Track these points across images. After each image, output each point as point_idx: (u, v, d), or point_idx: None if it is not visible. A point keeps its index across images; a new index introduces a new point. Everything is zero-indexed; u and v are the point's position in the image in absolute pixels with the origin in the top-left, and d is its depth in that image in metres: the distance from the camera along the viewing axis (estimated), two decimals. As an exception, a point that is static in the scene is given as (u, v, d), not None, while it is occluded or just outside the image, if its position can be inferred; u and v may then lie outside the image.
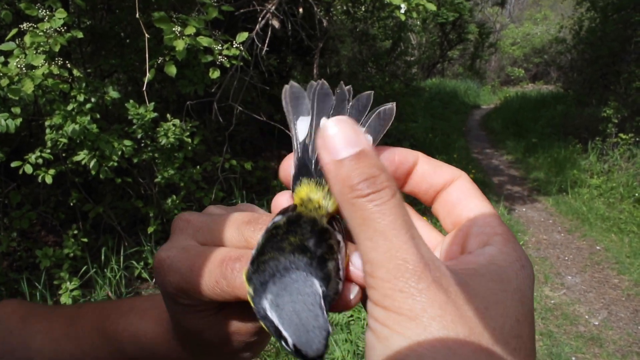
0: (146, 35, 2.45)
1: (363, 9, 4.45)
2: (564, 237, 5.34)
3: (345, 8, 4.51)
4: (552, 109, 11.47)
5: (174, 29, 2.46)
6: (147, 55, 2.49)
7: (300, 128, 0.41)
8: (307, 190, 0.38)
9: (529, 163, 8.35)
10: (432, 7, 3.34)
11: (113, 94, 2.95)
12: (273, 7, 3.24)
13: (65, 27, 2.45)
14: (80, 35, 2.52)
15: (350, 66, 7.14)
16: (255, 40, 3.16)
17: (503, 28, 24.14)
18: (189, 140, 3.23)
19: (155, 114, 3.00)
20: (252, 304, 0.35)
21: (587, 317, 3.77)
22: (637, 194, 6.14)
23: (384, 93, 6.30)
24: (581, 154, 7.94)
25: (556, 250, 4.98)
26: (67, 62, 2.42)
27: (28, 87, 2.20)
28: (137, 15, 2.45)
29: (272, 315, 0.33)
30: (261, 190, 5.14)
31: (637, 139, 7.17)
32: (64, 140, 2.82)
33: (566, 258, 4.82)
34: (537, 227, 5.61)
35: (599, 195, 6.42)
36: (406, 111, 7.64)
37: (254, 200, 4.56)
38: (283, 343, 0.33)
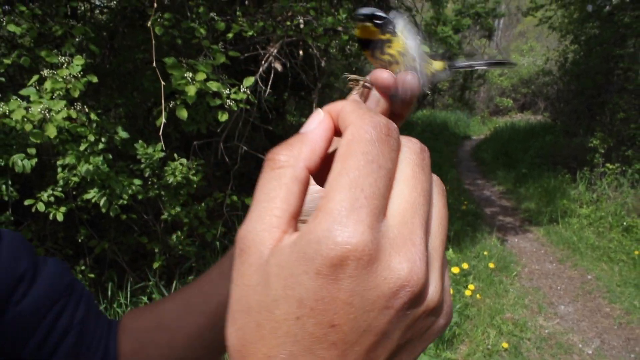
0: (162, 83, 2.60)
1: (356, 48, 4.63)
2: (556, 266, 5.47)
3: (341, 46, 4.70)
4: (540, 139, 11.71)
5: (185, 74, 2.61)
6: (162, 100, 2.63)
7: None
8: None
9: (520, 193, 8.51)
10: (425, 48, 3.52)
11: (122, 134, 3.07)
12: (275, 51, 3.41)
13: (82, 73, 2.59)
14: (95, 79, 2.66)
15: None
16: (259, 82, 3.32)
17: (491, 59, 24.63)
18: (195, 178, 3.35)
19: (164, 153, 3.13)
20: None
21: (580, 346, 3.87)
22: (625, 223, 6.30)
23: (379, 127, 6.47)
24: (570, 183, 8.11)
25: (549, 280, 5.10)
26: (85, 106, 2.56)
27: (51, 132, 2.33)
28: (154, 64, 2.60)
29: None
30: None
31: (624, 169, 7.37)
32: (76, 179, 2.94)
33: (559, 288, 4.93)
34: (529, 257, 5.73)
35: (588, 225, 6.57)
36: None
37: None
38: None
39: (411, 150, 0.33)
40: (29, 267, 0.51)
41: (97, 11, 5.25)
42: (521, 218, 7.28)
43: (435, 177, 0.34)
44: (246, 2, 4.07)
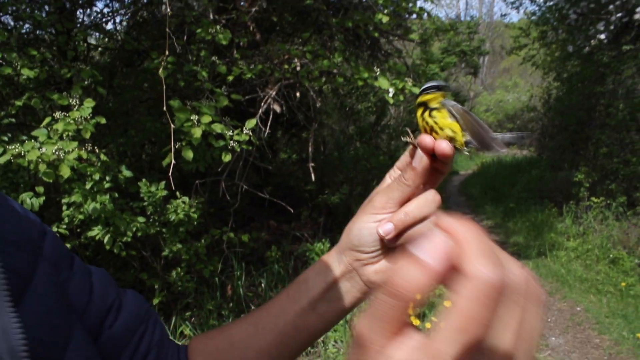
0: (172, 126, 2.73)
1: (348, 87, 4.82)
2: (546, 299, 5.57)
3: (333, 87, 4.89)
4: (527, 174, 11.94)
5: (191, 117, 2.74)
6: (172, 142, 2.75)
7: None
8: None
9: (509, 227, 8.66)
10: (417, 90, 3.70)
11: (126, 173, 3.19)
12: (274, 93, 3.57)
13: (91, 114, 2.71)
14: (103, 121, 2.78)
15: (337, 139, 7.52)
16: (259, 123, 3.47)
17: (477, 95, 25.25)
18: (195, 215, 3.45)
19: (166, 192, 3.24)
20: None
21: (572, 376, 3.96)
22: (611, 255, 6.44)
23: (370, 165, 6.63)
24: (557, 217, 8.28)
25: (539, 312, 5.19)
26: (95, 147, 2.67)
27: (65, 172, 2.43)
28: (164, 108, 2.73)
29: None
30: (255, 261, 5.29)
31: (608, 202, 7.55)
32: (81, 217, 3.03)
33: (549, 320, 5.03)
34: (519, 289, 5.83)
35: (576, 258, 6.71)
36: (390, 180, 7.98)
37: (252, 272, 4.72)
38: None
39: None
40: (115, 297, 0.61)
41: (95, 52, 5.42)
42: (510, 252, 7.33)
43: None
44: (241, 44, 4.24)
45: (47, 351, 0.45)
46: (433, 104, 0.60)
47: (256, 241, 5.71)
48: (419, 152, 0.57)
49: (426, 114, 0.60)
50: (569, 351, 4.38)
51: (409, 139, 0.59)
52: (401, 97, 3.71)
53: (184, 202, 3.36)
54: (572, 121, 9.86)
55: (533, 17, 9.93)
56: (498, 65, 31.37)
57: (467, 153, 0.63)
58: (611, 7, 6.09)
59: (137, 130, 4.37)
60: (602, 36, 6.18)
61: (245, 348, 0.65)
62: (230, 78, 3.41)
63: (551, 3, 8.81)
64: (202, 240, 3.82)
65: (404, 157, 0.60)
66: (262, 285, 4.53)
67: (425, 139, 0.56)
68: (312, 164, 4.00)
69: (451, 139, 0.58)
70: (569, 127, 10.18)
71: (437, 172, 0.59)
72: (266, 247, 5.58)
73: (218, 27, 3.30)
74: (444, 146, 0.55)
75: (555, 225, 7.88)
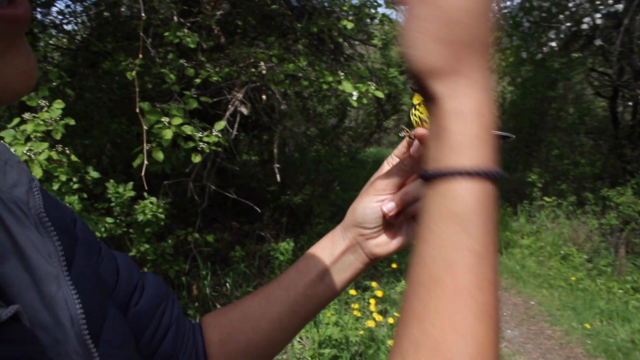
0: (144, 127, 2.77)
1: (311, 90, 4.93)
2: (502, 294, 5.81)
3: (297, 91, 4.99)
4: (483, 175, 12.26)
5: (162, 119, 2.80)
6: (144, 143, 2.80)
7: None
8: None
9: (466, 226, 8.90)
10: (380, 94, 3.85)
11: (93, 174, 3.20)
12: (241, 96, 3.65)
13: (60, 116, 2.74)
14: (72, 122, 2.81)
15: (298, 141, 7.62)
16: (227, 126, 3.54)
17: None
18: (162, 216, 3.50)
19: (134, 193, 3.27)
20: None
21: (526, 366, 4.17)
22: (562, 252, 6.75)
23: (332, 167, 6.76)
24: (512, 216, 8.58)
25: (495, 307, 5.42)
26: (65, 148, 2.70)
27: (37, 172, 2.45)
28: (137, 110, 2.78)
29: None
30: (218, 261, 5.32)
31: (559, 202, 7.89)
32: (49, 218, 3.03)
33: (505, 314, 5.25)
34: (477, 286, 6.06)
35: (529, 255, 6.99)
36: (351, 182, 8.14)
37: (217, 272, 4.76)
38: None
39: None
40: (139, 278, 0.68)
41: (55, 53, 5.37)
42: (468, 250, 7.63)
43: None
44: (205, 47, 4.29)
45: (93, 323, 0.52)
46: (415, 102, 0.72)
47: (219, 242, 5.75)
48: (416, 142, 0.68)
49: (412, 110, 0.72)
50: (524, 342, 4.60)
51: (405, 133, 0.71)
52: (364, 101, 3.84)
53: (152, 203, 3.40)
54: (526, 124, 10.22)
55: (488, 24, 10.23)
56: (455, 69, 32.01)
57: None
58: (561, 16, 6.38)
59: (101, 131, 4.37)
60: (553, 44, 6.47)
61: (258, 319, 0.74)
62: (198, 81, 3.47)
63: (506, 11, 9.12)
64: (169, 241, 3.86)
65: (401, 147, 0.71)
66: (228, 285, 4.59)
67: (420, 131, 0.67)
68: (278, 165, 4.08)
69: None
70: (522, 129, 10.53)
71: None
72: (229, 247, 5.62)
73: (186, 30, 3.36)
74: None
75: (510, 224, 8.18)
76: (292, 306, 0.74)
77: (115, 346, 0.54)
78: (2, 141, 0.55)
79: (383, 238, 0.74)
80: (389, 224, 0.73)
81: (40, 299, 0.46)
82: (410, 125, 0.72)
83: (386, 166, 0.74)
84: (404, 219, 0.73)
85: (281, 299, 0.74)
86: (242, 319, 0.75)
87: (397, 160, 0.73)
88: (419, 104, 0.72)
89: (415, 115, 0.71)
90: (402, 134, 0.72)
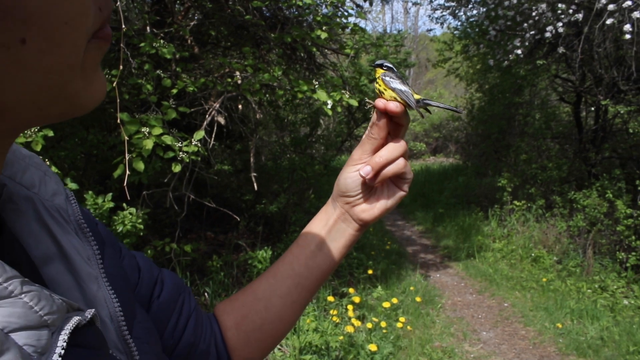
0: (126, 137, 2.78)
1: (284, 99, 4.98)
2: (476, 297, 5.92)
3: (271, 98, 5.03)
4: (454, 181, 12.49)
5: (142, 129, 2.80)
6: (126, 154, 2.80)
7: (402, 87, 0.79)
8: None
9: (439, 232, 9.06)
10: (354, 102, 3.92)
11: (72, 185, 3.19)
12: (217, 105, 3.67)
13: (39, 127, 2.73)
14: (51, 133, 2.80)
15: (272, 150, 7.65)
16: (205, 135, 3.55)
17: (403, 106, 25.95)
18: (141, 227, 3.49)
19: (113, 204, 3.26)
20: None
21: (502, 366, 4.27)
22: (533, 254, 6.92)
23: (306, 174, 6.81)
24: (483, 220, 8.75)
25: (470, 310, 5.53)
26: (46, 161, 2.68)
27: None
28: (119, 121, 2.78)
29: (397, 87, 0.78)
30: (195, 271, 5.30)
31: (529, 205, 8.08)
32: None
33: (480, 316, 5.36)
34: (451, 290, 6.16)
35: (502, 258, 7.14)
36: (325, 190, 8.20)
37: (196, 282, 4.75)
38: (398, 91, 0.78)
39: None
40: (158, 273, 0.73)
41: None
42: (441, 255, 7.76)
43: None
44: (177, 57, 4.31)
45: (127, 320, 0.55)
46: (375, 76, 0.81)
47: (195, 251, 5.73)
48: (378, 111, 0.75)
49: (375, 83, 0.81)
50: (499, 343, 4.70)
51: (368, 104, 0.79)
52: (339, 109, 3.91)
53: (131, 214, 3.39)
54: (494, 129, 10.44)
55: (456, 32, 10.46)
56: (423, 77, 32.47)
57: (425, 111, 0.83)
58: (525, 25, 6.58)
59: (74, 143, 4.33)
60: (519, 51, 6.66)
61: (269, 297, 0.79)
62: (174, 91, 3.49)
63: (472, 20, 9.35)
64: (149, 251, 3.84)
65: (373, 117, 0.78)
66: (207, 294, 4.58)
67: (378, 102, 0.74)
68: (255, 174, 4.11)
69: (395, 99, 0.77)
70: (491, 135, 10.75)
71: (398, 125, 0.77)
72: (206, 257, 5.61)
73: (162, 41, 3.38)
74: (391, 106, 0.73)
75: (482, 228, 8.33)
76: (297, 279, 0.80)
77: (145, 342, 0.58)
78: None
79: (368, 204, 0.81)
80: (370, 189, 0.81)
81: (83, 298, 0.50)
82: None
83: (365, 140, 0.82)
84: (383, 183, 0.80)
85: (287, 274, 0.80)
86: (253, 300, 0.80)
87: None
88: (379, 77, 0.80)
89: (375, 87, 0.80)
90: (367, 106, 0.80)
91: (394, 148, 0.76)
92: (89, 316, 0.39)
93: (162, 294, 0.71)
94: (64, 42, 0.35)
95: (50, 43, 0.34)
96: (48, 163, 2.70)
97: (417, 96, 0.80)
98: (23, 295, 0.34)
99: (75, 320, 0.38)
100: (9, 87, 0.34)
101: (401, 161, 0.76)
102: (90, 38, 0.38)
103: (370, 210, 0.80)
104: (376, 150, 0.77)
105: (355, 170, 0.78)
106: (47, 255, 0.49)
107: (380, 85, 0.79)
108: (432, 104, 0.83)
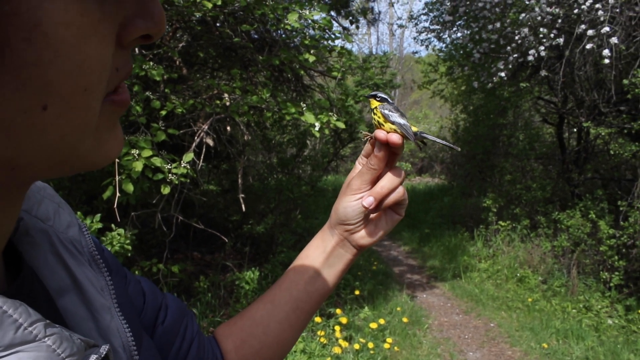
0: (116, 160, 2.79)
1: (273, 120, 5.02)
2: (462, 317, 5.95)
3: (259, 120, 5.06)
4: (440, 201, 12.56)
5: (132, 151, 2.82)
6: (116, 176, 2.81)
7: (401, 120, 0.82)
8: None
9: (425, 252, 9.09)
10: (341, 124, 3.96)
11: (59, 207, 3.18)
12: (206, 127, 3.70)
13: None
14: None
15: (259, 170, 7.67)
16: (194, 157, 3.57)
17: (389, 127, 26.13)
18: (129, 247, 3.48)
19: (101, 225, 3.25)
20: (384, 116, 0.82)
21: (489, 387, 4.28)
22: (518, 274, 6.98)
23: (293, 195, 6.83)
24: (469, 240, 8.80)
25: (457, 330, 5.55)
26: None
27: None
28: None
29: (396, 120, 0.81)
30: (182, 291, 5.27)
31: (514, 225, 8.16)
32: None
33: (466, 336, 5.38)
34: (438, 311, 6.18)
35: (487, 278, 7.19)
36: (312, 210, 8.23)
37: (184, 302, 4.71)
38: (397, 123, 0.81)
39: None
40: (162, 298, 0.74)
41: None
42: (427, 275, 7.78)
43: None
44: (165, 78, 4.33)
45: (138, 348, 0.57)
46: (371, 107, 0.86)
47: (182, 272, 5.69)
48: (378, 143, 0.79)
49: (372, 114, 0.85)
50: (485, 364, 4.72)
51: (365, 136, 0.83)
52: (327, 131, 3.95)
53: (119, 234, 3.39)
54: (479, 150, 10.55)
55: (440, 54, 10.62)
56: (409, 97, 32.75)
57: (422, 144, 0.87)
58: (508, 48, 6.72)
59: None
60: (502, 74, 6.78)
61: (267, 322, 0.82)
62: (163, 113, 3.51)
63: (457, 42, 9.51)
64: (136, 272, 3.82)
65: (367, 148, 0.82)
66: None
67: (379, 133, 0.78)
68: (243, 195, 4.13)
69: (395, 131, 0.80)
70: (476, 156, 10.85)
71: (393, 154, 0.81)
72: (192, 278, 5.58)
73: (151, 63, 3.41)
74: (394, 138, 0.77)
75: (467, 248, 8.38)
76: (296, 303, 0.83)
77: None
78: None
79: (366, 230, 0.84)
80: (369, 216, 0.84)
81: (97, 328, 0.52)
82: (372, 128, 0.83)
83: (357, 166, 0.85)
84: (382, 211, 0.84)
85: (285, 300, 0.83)
86: (252, 325, 0.82)
87: (365, 159, 0.84)
88: (375, 108, 0.84)
89: (374, 119, 0.83)
90: (364, 139, 0.84)
91: (394, 178, 0.80)
92: (104, 352, 0.41)
93: (167, 318, 0.72)
94: (82, 107, 0.36)
95: (68, 108, 0.35)
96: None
97: (415, 129, 0.83)
98: (47, 339, 0.35)
99: (92, 359, 0.39)
100: (26, 148, 0.35)
101: (401, 189, 0.81)
102: (105, 98, 0.39)
103: (369, 236, 0.84)
104: (375, 179, 0.81)
105: (355, 199, 0.81)
106: (62, 287, 0.51)
107: (380, 118, 0.82)
108: (429, 138, 0.87)
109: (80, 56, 0.34)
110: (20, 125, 0.33)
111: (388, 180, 0.79)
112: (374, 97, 0.86)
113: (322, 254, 0.85)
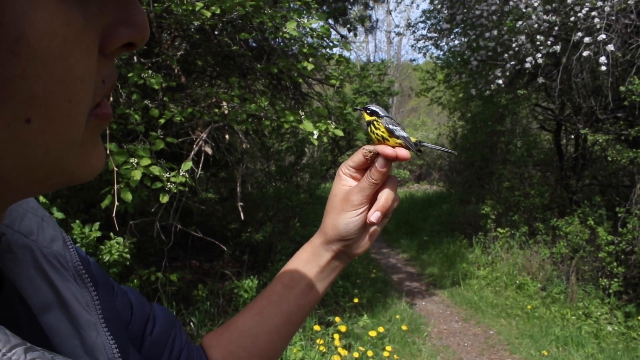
0: (115, 169, 2.79)
1: (270, 128, 5.02)
2: (462, 325, 5.93)
3: (255, 129, 5.07)
4: (438, 208, 12.56)
5: (130, 160, 2.82)
6: (115, 185, 2.81)
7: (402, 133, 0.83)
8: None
9: (423, 260, 9.07)
10: (339, 132, 3.97)
11: (58, 214, 3.18)
12: (205, 136, 3.70)
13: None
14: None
15: (257, 178, 7.67)
16: (192, 165, 3.57)
17: (387, 134, 26.16)
18: (128, 256, 3.47)
19: (100, 233, 3.25)
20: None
21: (489, 395, 4.26)
22: (517, 281, 6.97)
23: (291, 203, 6.83)
24: (468, 248, 8.80)
25: (456, 338, 5.53)
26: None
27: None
28: (108, 151, 2.79)
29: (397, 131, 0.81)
30: (180, 299, 5.25)
31: (512, 232, 8.16)
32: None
33: (466, 344, 5.37)
34: (437, 318, 6.17)
35: (486, 285, 7.18)
36: (310, 218, 8.23)
37: (182, 311, 4.71)
38: (398, 134, 0.82)
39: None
40: (150, 309, 0.74)
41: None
42: (426, 282, 7.77)
43: None
44: (164, 86, 4.34)
45: None
46: (366, 120, 0.85)
47: (180, 280, 5.67)
48: (382, 157, 0.78)
49: (369, 128, 0.84)
50: (485, 372, 4.70)
51: (370, 152, 0.81)
52: (325, 139, 3.96)
53: (118, 243, 3.38)
54: (477, 157, 10.56)
55: (438, 61, 10.66)
56: (406, 105, 32.83)
57: (419, 152, 0.87)
58: (506, 55, 6.74)
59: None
60: (500, 81, 6.81)
61: (256, 334, 0.81)
62: (162, 121, 3.51)
63: (454, 50, 9.55)
64: (135, 281, 3.81)
65: (357, 158, 0.82)
66: (192, 324, 4.54)
67: (387, 150, 0.78)
68: (241, 204, 4.12)
69: (401, 145, 0.81)
70: (474, 163, 10.86)
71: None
72: (191, 286, 5.56)
73: (150, 71, 3.42)
74: (403, 153, 0.78)
75: (466, 255, 8.37)
76: (287, 316, 0.82)
77: None
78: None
79: (362, 239, 0.84)
80: (369, 228, 0.85)
81: (82, 345, 0.51)
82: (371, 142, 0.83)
83: (342, 175, 0.84)
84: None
85: (274, 313, 0.82)
86: (239, 336, 0.82)
87: (352, 169, 0.83)
88: (375, 122, 0.84)
89: (374, 133, 0.83)
90: (366, 157, 0.82)
91: (392, 189, 0.81)
92: None
93: (155, 329, 0.72)
94: (67, 120, 0.35)
95: (52, 121, 0.34)
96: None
97: (413, 139, 0.84)
98: None
99: None
100: (9, 162, 0.34)
101: (397, 197, 0.82)
102: (89, 112, 0.38)
103: (365, 245, 0.84)
104: (375, 194, 0.81)
105: (357, 214, 0.81)
106: (45, 303, 0.49)
107: (384, 133, 0.82)
108: (427, 146, 0.87)
109: (65, 67, 0.33)
110: (3, 139, 0.32)
111: (389, 193, 0.81)
112: (365, 110, 0.86)
113: (315, 268, 0.84)
